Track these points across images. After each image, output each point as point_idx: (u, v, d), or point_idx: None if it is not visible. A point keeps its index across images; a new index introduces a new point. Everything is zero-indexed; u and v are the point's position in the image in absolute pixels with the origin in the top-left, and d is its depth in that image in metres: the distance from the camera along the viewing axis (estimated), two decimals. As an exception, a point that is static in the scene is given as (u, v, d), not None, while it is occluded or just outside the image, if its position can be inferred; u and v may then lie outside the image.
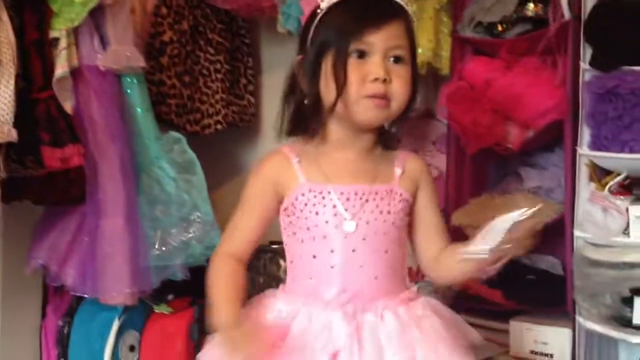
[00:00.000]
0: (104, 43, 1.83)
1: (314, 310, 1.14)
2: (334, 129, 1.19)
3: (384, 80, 1.13)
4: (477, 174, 1.98)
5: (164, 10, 2.10)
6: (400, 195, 1.19)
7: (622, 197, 1.59)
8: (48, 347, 1.96)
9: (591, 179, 1.65)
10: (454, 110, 1.83)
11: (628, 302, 1.57)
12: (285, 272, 1.96)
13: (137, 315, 1.91)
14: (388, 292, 1.17)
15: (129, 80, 1.88)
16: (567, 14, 1.70)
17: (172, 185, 1.85)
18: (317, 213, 1.16)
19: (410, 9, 1.19)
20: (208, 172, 1.97)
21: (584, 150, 1.64)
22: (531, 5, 1.77)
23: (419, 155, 1.29)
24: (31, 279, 1.94)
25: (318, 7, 1.17)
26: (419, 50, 1.78)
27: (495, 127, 1.75)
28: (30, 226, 1.89)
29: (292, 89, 1.23)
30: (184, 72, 2.15)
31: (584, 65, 1.63)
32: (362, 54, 1.14)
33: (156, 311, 1.92)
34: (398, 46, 1.15)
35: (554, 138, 1.80)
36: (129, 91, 1.88)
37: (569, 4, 1.70)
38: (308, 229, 1.16)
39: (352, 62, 1.13)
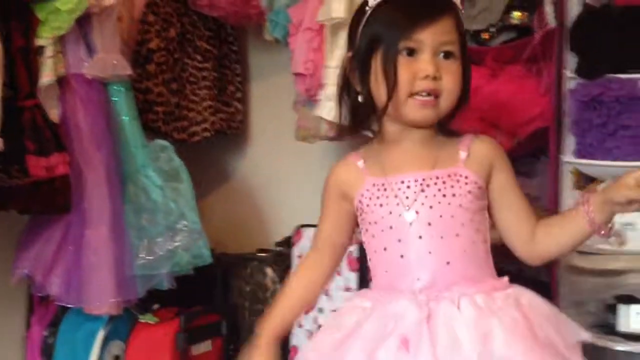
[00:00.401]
0: (90, 51, 1.83)
1: (388, 302, 1.14)
2: (389, 125, 1.20)
3: (434, 77, 1.13)
4: (464, 181, 1.98)
5: (151, 18, 2.10)
6: (466, 177, 1.17)
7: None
8: (33, 357, 1.95)
9: (576, 187, 1.66)
10: (440, 118, 1.84)
11: (612, 309, 1.58)
12: (272, 280, 2.00)
13: (122, 325, 1.90)
14: (466, 278, 1.14)
15: (115, 88, 1.88)
16: (552, 22, 1.70)
17: (158, 194, 1.85)
18: (380, 205, 1.17)
19: (459, 1, 1.19)
20: (196, 180, 1.97)
21: (568, 157, 1.64)
22: (517, 14, 1.78)
23: (489, 137, 1.25)
24: (16, 289, 1.93)
25: (366, 3, 1.17)
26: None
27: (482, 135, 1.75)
28: (16, 236, 1.88)
29: (344, 86, 1.23)
30: (172, 80, 2.14)
31: (569, 73, 1.64)
32: (411, 52, 1.14)
33: (141, 321, 1.91)
34: (448, 42, 1.14)
35: (540, 146, 1.81)
36: (115, 99, 1.88)
37: (554, 12, 1.71)
38: (376, 222, 1.18)
39: (402, 60, 1.13)
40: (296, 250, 1.93)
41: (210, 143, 2.31)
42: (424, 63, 1.13)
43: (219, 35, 2.33)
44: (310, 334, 1.85)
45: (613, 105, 1.55)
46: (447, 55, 1.15)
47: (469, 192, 1.16)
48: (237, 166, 2.49)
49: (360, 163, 1.22)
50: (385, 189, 1.17)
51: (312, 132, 2.00)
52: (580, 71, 1.60)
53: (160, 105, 2.09)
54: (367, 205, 1.18)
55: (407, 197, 1.15)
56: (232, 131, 2.36)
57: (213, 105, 2.25)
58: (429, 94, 1.14)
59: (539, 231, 1.19)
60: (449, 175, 1.16)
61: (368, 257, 1.24)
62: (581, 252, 1.60)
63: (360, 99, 1.19)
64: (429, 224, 1.14)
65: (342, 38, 1.83)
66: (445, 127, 1.22)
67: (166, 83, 2.12)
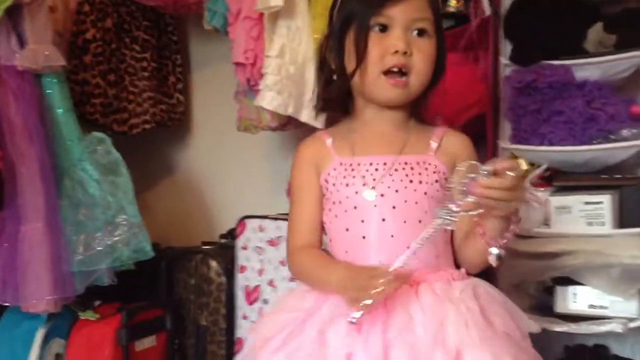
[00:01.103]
0: (22, 42, 1.77)
1: None
2: (362, 106, 1.21)
3: (405, 53, 1.13)
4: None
5: (86, 8, 2.05)
6: (435, 166, 1.18)
7: (542, 188, 1.63)
8: (-30, 358, 1.89)
9: (513, 172, 1.68)
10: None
11: (550, 291, 1.61)
12: (216, 273, 1.97)
13: (62, 323, 1.85)
14: (425, 265, 1.14)
15: (49, 80, 1.82)
16: (487, 10, 1.72)
17: (96, 188, 1.80)
18: (347, 185, 1.17)
19: None
20: (138, 173, 1.93)
21: (505, 143, 1.66)
22: (453, 2, 1.78)
23: (463, 134, 1.26)
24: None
25: None
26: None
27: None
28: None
29: (321, 67, 1.24)
30: (109, 71, 2.09)
31: (504, 60, 1.66)
32: (383, 28, 1.14)
33: (82, 318, 1.86)
34: (421, 19, 1.15)
35: (478, 132, 1.83)
36: (49, 91, 1.82)
37: (489, 0, 1.73)
38: (340, 202, 1.17)
39: (374, 36, 1.14)
40: (240, 242, 1.91)
41: (152, 135, 2.27)
42: (394, 39, 1.13)
43: (158, 25, 2.28)
44: (256, 326, 1.84)
45: (547, 91, 1.58)
46: (420, 32, 1.15)
47: (436, 181, 1.17)
48: (179, 158, 2.45)
49: (329, 141, 1.22)
50: (352, 169, 1.17)
51: (254, 123, 1.98)
52: (514, 58, 1.63)
53: (98, 97, 2.04)
54: (333, 185, 1.18)
55: (374, 179, 1.15)
56: (174, 122, 2.32)
57: (153, 97, 2.21)
58: (400, 72, 1.14)
59: (467, 239, 1.18)
60: (418, 163, 1.17)
61: (328, 238, 1.23)
62: (519, 236, 1.63)
63: (334, 77, 1.21)
64: (394, 207, 1.15)
65: (282, 26, 1.82)
66: (419, 113, 1.24)
67: (103, 74, 2.07)
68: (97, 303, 1.92)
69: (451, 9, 1.80)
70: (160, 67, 2.28)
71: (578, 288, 1.59)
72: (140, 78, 2.18)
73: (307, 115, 1.82)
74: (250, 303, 1.87)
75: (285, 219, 1.83)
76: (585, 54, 1.56)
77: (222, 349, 1.94)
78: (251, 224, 1.90)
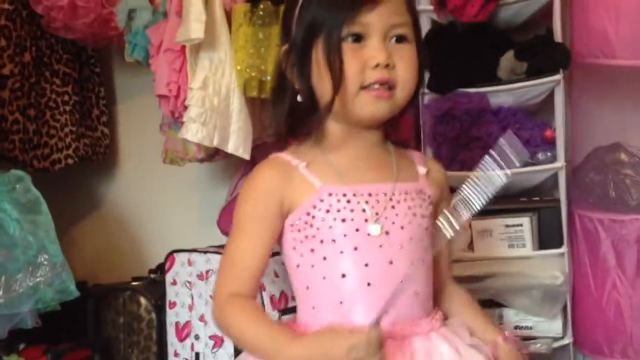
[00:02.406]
0: None
1: None
2: (333, 128, 1.03)
3: (387, 66, 0.97)
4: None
5: (3, 42, 2.00)
6: (429, 196, 1.04)
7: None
8: None
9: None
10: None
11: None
12: (146, 310, 1.93)
13: (-15, 369, 1.79)
14: (428, 311, 1.01)
15: (-38, 118, 1.77)
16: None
17: (15, 227, 1.74)
18: (343, 220, 0.97)
19: None
20: (64, 209, 1.89)
21: (427, 170, 1.69)
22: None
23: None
24: None
25: None
26: (268, 77, 1.78)
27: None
28: None
29: (280, 86, 1.05)
30: (29, 106, 2.04)
31: (423, 88, 1.69)
32: (358, 38, 0.97)
33: (6, 363, 1.80)
34: (399, 24, 0.99)
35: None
36: (-37, 130, 1.77)
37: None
38: (333, 241, 0.98)
39: (348, 48, 0.97)
40: (169, 277, 1.88)
41: (76, 170, 2.21)
42: (373, 50, 0.97)
43: (80, 58, 2.24)
44: (189, 362, 1.81)
45: (464, 118, 1.62)
46: (400, 39, 1.00)
47: (430, 213, 1.03)
48: (106, 192, 2.39)
49: (302, 165, 1.01)
50: (348, 201, 0.98)
51: (180, 155, 1.96)
52: (431, 86, 1.66)
53: (17, 133, 1.99)
54: (323, 220, 0.98)
55: (376, 214, 0.98)
56: (99, 156, 2.27)
57: (75, 131, 2.16)
58: (382, 86, 0.98)
59: (448, 291, 1.10)
60: (417, 192, 1.03)
61: (301, 286, 1.03)
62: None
63: (299, 98, 1.02)
64: (401, 246, 0.99)
65: (204, 58, 1.81)
66: (392, 130, 1.08)
67: (22, 109, 2.01)
68: (21, 346, 1.85)
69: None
70: (83, 101, 2.23)
71: (503, 310, 1.62)
72: (62, 112, 2.13)
73: (233, 147, 1.81)
74: (182, 340, 1.83)
75: (215, 252, 1.83)
76: (499, 81, 1.61)
77: (153, 387, 1.90)
78: (180, 257, 1.86)
